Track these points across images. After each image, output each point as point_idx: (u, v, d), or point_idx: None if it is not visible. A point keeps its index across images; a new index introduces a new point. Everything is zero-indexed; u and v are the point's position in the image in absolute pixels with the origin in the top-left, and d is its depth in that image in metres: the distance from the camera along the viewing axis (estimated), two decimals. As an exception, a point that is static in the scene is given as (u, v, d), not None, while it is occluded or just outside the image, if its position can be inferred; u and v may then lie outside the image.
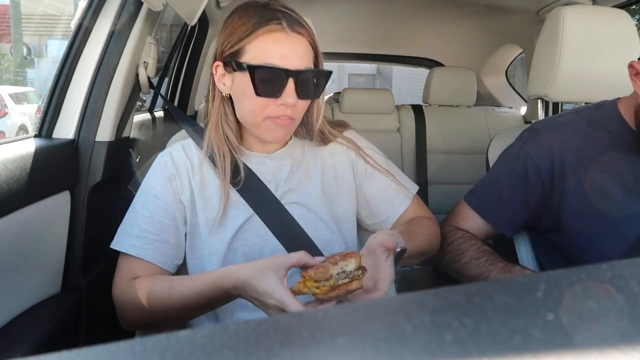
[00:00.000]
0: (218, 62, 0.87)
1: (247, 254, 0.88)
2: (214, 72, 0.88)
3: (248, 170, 0.90)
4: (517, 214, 1.03)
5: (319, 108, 0.93)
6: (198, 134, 0.95)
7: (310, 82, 0.85)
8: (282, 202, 0.90)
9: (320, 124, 0.95)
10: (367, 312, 0.24)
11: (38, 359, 0.20)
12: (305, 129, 0.96)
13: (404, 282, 1.94)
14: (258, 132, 0.88)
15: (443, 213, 1.14)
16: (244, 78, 0.83)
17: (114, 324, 1.02)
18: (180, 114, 1.10)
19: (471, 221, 1.07)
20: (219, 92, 0.89)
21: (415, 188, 1.04)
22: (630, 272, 0.25)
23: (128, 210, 0.91)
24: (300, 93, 0.83)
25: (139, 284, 0.84)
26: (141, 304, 0.82)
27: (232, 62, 0.84)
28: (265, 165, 0.93)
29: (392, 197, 1.00)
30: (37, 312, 0.95)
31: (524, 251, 1.11)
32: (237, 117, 0.90)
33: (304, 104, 0.87)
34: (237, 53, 0.83)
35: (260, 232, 0.89)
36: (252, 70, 0.81)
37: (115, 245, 0.88)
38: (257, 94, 0.82)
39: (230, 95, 0.89)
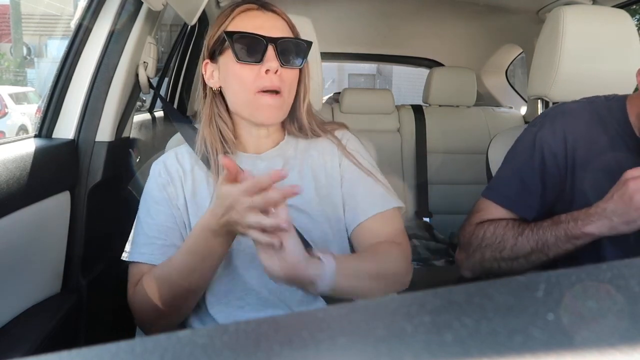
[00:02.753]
0: (206, 60, 0.92)
1: (241, 256, 0.88)
2: (204, 72, 0.92)
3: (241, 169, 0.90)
4: (543, 199, 1.00)
5: (305, 93, 0.95)
6: (194, 136, 0.95)
7: (291, 50, 0.89)
8: None
9: (306, 108, 0.95)
10: (367, 312, 0.24)
11: (38, 359, 0.20)
12: (294, 122, 0.96)
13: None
14: (250, 114, 0.89)
15: (443, 213, 1.14)
16: (227, 57, 0.87)
17: (114, 324, 1.02)
18: (177, 115, 1.10)
19: (497, 217, 1.02)
20: (209, 90, 0.92)
21: (397, 204, 0.94)
22: (630, 272, 0.25)
23: (134, 222, 0.92)
24: (282, 59, 0.86)
25: (144, 279, 0.86)
26: (153, 295, 0.82)
27: (215, 50, 0.89)
28: (257, 166, 0.92)
29: (362, 200, 0.93)
30: (37, 312, 0.95)
31: None
32: (230, 110, 0.92)
33: (289, 75, 0.88)
34: (219, 39, 0.89)
35: None
36: (231, 37, 0.85)
37: (125, 256, 0.90)
38: (238, 59, 0.85)
39: (221, 89, 0.91)
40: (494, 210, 1.03)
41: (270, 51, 0.85)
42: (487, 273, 1.01)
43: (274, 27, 0.87)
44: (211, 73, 0.91)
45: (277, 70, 0.85)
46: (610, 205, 0.84)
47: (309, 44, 0.91)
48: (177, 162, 0.93)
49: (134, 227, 0.92)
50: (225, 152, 0.90)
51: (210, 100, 0.92)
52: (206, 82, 0.92)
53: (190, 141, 0.95)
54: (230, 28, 0.88)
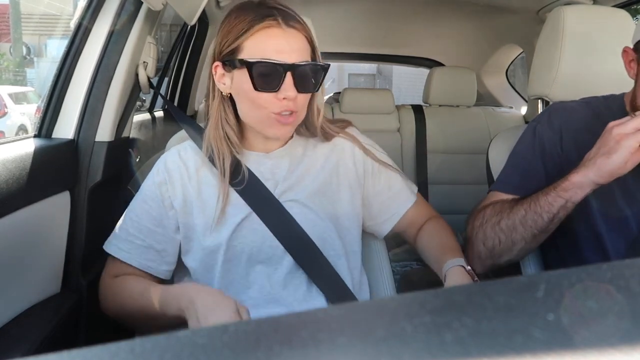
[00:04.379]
0: (217, 63, 0.88)
1: (246, 251, 0.88)
2: (214, 73, 0.88)
3: (248, 170, 0.90)
4: (547, 183, 1.00)
5: (319, 105, 0.94)
6: (198, 134, 0.95)
7: (308, 76, 0.85)
8: (281, 200, 0.90)
9: (321, 121, 0.95)
10: (367, 312, 0.24)
11: (38, 359, 0.20)
12: (306, 127, 0.96)
13: (404, 282, 1.94)
14: (261, 129, 0.88)
15: (443, 213, 1.14)
16: (242, 75, 0.84)
17: (114, 324, 1.02)
18: (180, 114, 1.10)
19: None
20: (219, 92, 0.89)
21: (415, 187, 1.07)
22: (630, 272, 0.25)
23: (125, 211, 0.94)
24: (299, 86, 0.84)
25: (121, 281, 0.91)
26: (119, 300, 0.89)
27: (230, 61, 0.85)
28: (264, 164, 0.93)
29: (399, 193, 1.03)
30: (37, 312, 0.95)
31: None
32: (239, 116, 0.90)
33: (304, 98, 0.87)
34: (235, 51, 0.84)
35: (258, 230, 0.89)
36: (250, 65, 0.82)
37: (105, 246, 0.92)
38: (256, 88, 0.82)
39: (230, 94, 0.89)
40: (503, 198, 1.03)
41: (288, 79, 0.82)
42: (492, 256, 0.99)
43: (293, 49, 0.83)
44: (221, 76, 0.88)
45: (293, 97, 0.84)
46: (593, 149, 0.85)
47: (325, 68, 0.88)
48: (180, 159, 0.92)
49: (122, 215, 0.94)
50: (232, 153, 0.89)
51: (218, 103, 0.89)
52: (216, 84, 0.89)
53: (197, 140, 0.94)
54: (248, 45, 0.83)
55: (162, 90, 2.22)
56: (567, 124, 1.00)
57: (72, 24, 1.12)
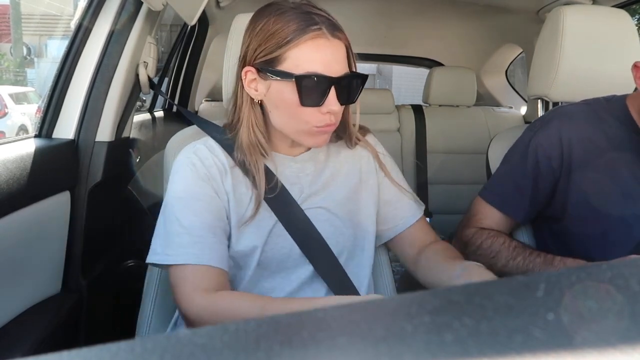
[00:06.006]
0: (249, 68, 0.82)
1: (276, 257, 0.87)
2: (243, 77, 0.83)
3: (277, 177, 0.88)
4: (534, 202, 1.02)
5: (355, 111, 0.92)
6: (216, 132, 0.91)
7: (350, 87, 0.83)
8: (306, 205, 0.89)
9: (355, 132, 0.94)
10: (367, 312, 0.24)
11: (38, 359, 0.20)
12: (336, 132, 0.93)
13: (404, 282, 1.94)
14: (298, 138, 0.85)
15: (443, 213, 1.14)
16: (284, 87, 0.80)
17: (114, 324, 1.02)
18: (192, 115, 1.09)
19: (491, 218, 1.06)
20: (247, 97, 0.85)
21: (422, 205, 1.04)
22: (630, 272, 0.25)
23: (164, 221, 0.83)
24: (341, 99, 0.81)
25: (224, 299, 0.79)
26: (227, 319, 0.78)
27: (269, 69, 0.80)
28: (290, 167, 0.91)
29: (406, 206, 1.00)
30: (37, 312, 0.95)
31: (523, 240, 1.11)
32: (272, 123, 0.86)
33: (342, 109, 0.85)
34: (275, 60, 0.79)
35: (288, 237, 0.88)
36: (299, 80, 0.78)
37: (172, 259, 0.80)
38: (302, 103, 0.79)
39: (260, 100, 0.85)
40: (488, 212, 1.06)
41: (332, 93, 0.79)
42: None
43: (337, 61, 0.80)
44: (252, 81, 0.83)
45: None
46: None
47: (364, 78, 0.86)
48: (213, 155, 0.86)
49: (162, 225, 0.83)
50: (262, 155, 0.87)
51: (248, 108, 0.85)
52: (246, 90, 0.84)
53: (218, 139, 0.89)
54: (293, 56, 0.78)
55: (162, 91, 2.22)
56: (568, 133, 0.99)
57: (73, 24, 1.12)
